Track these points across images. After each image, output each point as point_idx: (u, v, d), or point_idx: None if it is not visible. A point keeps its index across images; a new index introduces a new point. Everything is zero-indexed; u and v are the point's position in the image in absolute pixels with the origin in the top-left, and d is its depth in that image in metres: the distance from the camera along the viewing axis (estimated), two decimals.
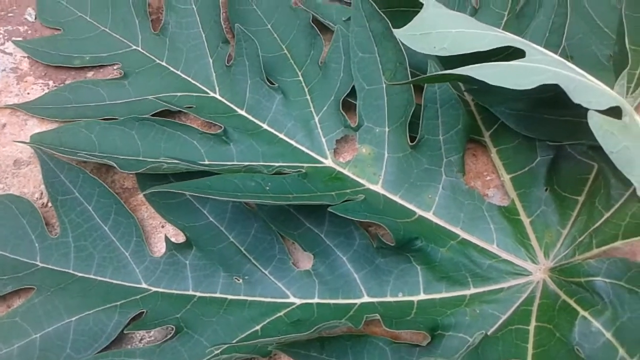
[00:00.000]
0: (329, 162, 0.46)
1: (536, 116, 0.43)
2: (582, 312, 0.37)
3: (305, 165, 0.46)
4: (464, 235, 0.42)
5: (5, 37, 0.51)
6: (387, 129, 0.45)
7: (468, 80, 0.35)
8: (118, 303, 0.41)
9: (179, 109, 0.48)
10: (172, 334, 0.40)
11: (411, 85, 0.45)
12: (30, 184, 0.45)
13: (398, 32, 0.39)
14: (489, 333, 0.38)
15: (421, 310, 0.40)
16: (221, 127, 0.47)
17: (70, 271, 0.42)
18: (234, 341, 0.39)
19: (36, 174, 0.46)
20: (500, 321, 0.38)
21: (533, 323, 0.38)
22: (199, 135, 0.47)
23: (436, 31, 0.38)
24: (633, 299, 0.35)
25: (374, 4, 0.45)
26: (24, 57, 0.51)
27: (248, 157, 0.46)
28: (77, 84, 0.51)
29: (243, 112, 0.49)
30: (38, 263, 0.42)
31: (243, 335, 0.40)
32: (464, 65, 0.35)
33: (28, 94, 0.49)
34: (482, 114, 0.47)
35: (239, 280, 0.42)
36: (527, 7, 0.48)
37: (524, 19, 0.48)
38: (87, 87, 0.51)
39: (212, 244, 0.43)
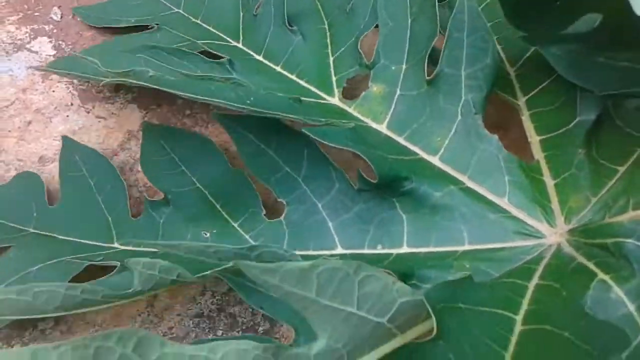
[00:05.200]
0: (334, 100, 0.41)
1: (591, 60, 0.36)
2: (601, 275, 0.27)
3: (308, 99, 0.41)
4: (469, 183, 0.35)
5: (31, 36, 0.53)
6: (404, 66, 0.40)
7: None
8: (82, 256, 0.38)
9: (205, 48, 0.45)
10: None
11: (437, 14, 0.39)
12: (54, 180, 0.44)
13: None
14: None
15: (397, 261, 0.32)
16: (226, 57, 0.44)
17: (54, 235, 0.40)
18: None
19: None
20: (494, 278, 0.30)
21: (535, 281, 0.28)
22: (202, 62, 0.44)
23: None
24: None
25: None
26: (49, 55, 0.51)
27: (247, 81, 0.42)
28: (111, 41, 0.51)
29: (260, 57, 0.46)
30: (30, 229, 0.40)
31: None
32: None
33: (53, 91, 0.49)
34: (520, 80, 0.40)
35: (206, 234, 0.38)
36: None
37: None
38: (122, 39, 0.51)
39: (186, 198, 0.39)
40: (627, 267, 0.27)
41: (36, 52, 0.51)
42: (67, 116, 0.48)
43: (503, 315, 0.27)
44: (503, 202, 0.34)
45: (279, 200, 0.38)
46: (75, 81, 0.49)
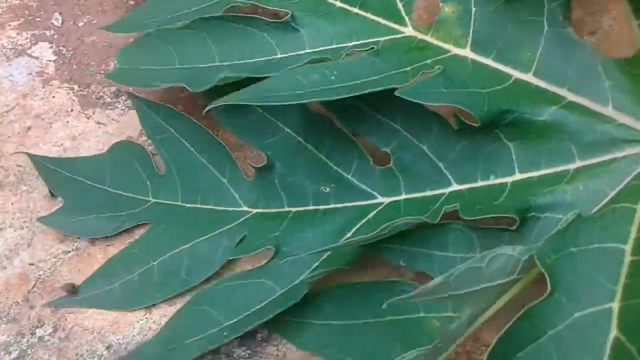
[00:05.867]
0: (408, 30, 0.40)
1: None
2: None
3: (382, 39, 0.41)
4: (570, 97, 0.35)
5: (32, 42, 0.52)
6: None
7: None
8: (224, 229, 0.42)
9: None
10: (272, 255, 0.40)
11: None
12: None
13: None
14: (592, 212, 0.31)
15: (513, 192, 0.35)
16: (288, 12, 0.43)
17: (179, 203, 0.43)
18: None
19: None
20: (607, 199, 0.32)
21: None
22: (266, 26, 0.44)
23: None
24: None
25: None
26: (50, 61, 0.51)
27: (319, 42, 0.42)
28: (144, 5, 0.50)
29: None
30: (150, 199, 0.44)
31: (334, 245, 0.39)
32: None
33: (53, 97, 0.49)
34: None
35: (326, 189, 0.41)
36: None
37: None
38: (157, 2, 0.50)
39: (293, 158, 0.42)
40: None
41: (37, 58, 0.51)
42: (67, 122, 0.48)
43: (613, 249, 0.29)
44: (607, 111, 0.34)
45: (382, 149, 0.40)
46: (75, 87, 0.50)
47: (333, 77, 0.38)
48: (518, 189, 0.35)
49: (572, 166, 0.34)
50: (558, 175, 0.34)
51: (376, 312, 0.36)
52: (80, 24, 0.53)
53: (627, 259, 0.28)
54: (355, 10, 0.43)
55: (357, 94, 0.37)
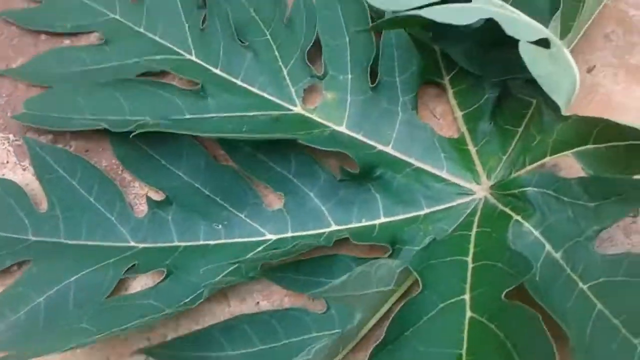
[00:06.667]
0: (298, 109, 0.52)
1: (483, 55, 0.48)
2: (515, 217, 0.43)
3: (277, 112, 0.51)
4: (417, 164, 0.48)
5: None
6: (349, 76, 0.51)
7: (420, 22, 0.40)
8: (111, 261, 0.46)
9: (160, 69, 0.52)
10: (164, 277, 0.45)
11: (372, 34, 0.50)
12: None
13: None
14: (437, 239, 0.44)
15: (382, 230, 0.46)
16: (199, 83, 0.52)
17: (62, 240, 0.46)
18: (220, 276, 0.44)
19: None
20: (448, 232, 0.45)
21: (475, 229, 0.44)
22: (178, 92, 0.51)
23: None
24: (559, 205, 0.41)
25: None
26: None
27: (225, 108, 0.51)
28: (60, 49, 0.56)
29: (218, 71, 0.54)
30: (30, 237, 0.46)
31: (228, 271, 0.45)
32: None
33: None
34: (444, 60, 0.52)
35: (218, 226, 0.47)
36: None
37: None
38: (70, 52, 0.56)
39: (190, 200, 0.48)
40: (530, 207, 0.43)
41: None
42: (3, 174, 0.50)
43: (460, 260, 0.42)
44: (443, 173, 0.48)
45: (275, 193, 0.49)
46: (11, 136, 0.52)
47: (244, 129, 0.47)
48: (385, 229, 0.46)
49: (422, 212, 0.47)
50: (413, 219, 0.46)
51: (271, 338, 0.43)
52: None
53: (470, 265, 0.41)
54: (254, 89, 0.53)
55: (264, 138, 0.46)
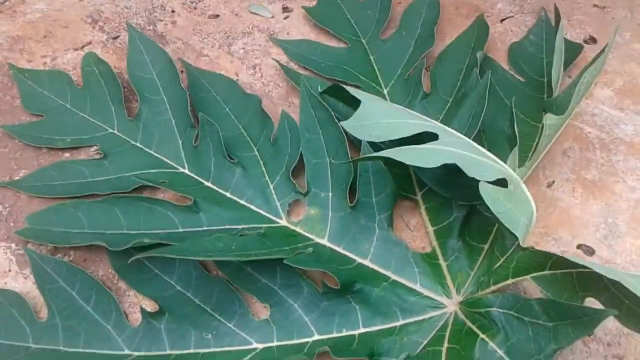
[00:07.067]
0: (283, 222, 0.56)
1: (451, 180, 0.53)
2: (481, 335, 0.47)
3: (264, 225, 0.55)
4: (394, 277, 0.53)
5: None
6: (330, 194, 0.56)
7: (393, 160, 0.45)
8: None
9: (154, 184, 0.57)
10: None
11: (349, 156, 0.56)
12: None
13: (343, 123, 0.49)
14: (412, 355, 0.47)
15: (361, 341, 0.50)
16: (192, 199, 0.56)
17: (60, 348, 0.49)
18: None
19: None
20: (422, 345, 0.48)
21: (445, 345, 0.47)
22: (172, 207, 0.56)
23: (371, 122, 0.48)
24: (520, 325, 0.45)
25: (317, 96, 0.57)
26: None
27: (216, 222, 0.55)
28: (62, 163, 0.60)
29: (209, 184, 0.58)
30: (31, 344, 0.48)
31: None
32: (394, 146, 0.45)
33: None
34: (417, 178, 0.58)
35: (208, 335, 0.50)
36: (462, 96, 0.61)
37: (459, 106, 0.60)
38: (71, 166, 0.60)
39: (181, 309, 0.51)
40: (494, 326, 0.47)
41: None
42: (5, 283, 0.52)
43: None
44: (417, 287, 0.52)
45: (262, 304, 0.52)
46: (13, 245, 0.54)
47: (233, 247, 0.51)
48: (364, 339, 0.50)
49: (397, 323, 0.51)
50: (390, 330, 0.50)
51: None
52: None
53: None
54: (243, 202, 0.57)
55: (251, 259, 0.50)
